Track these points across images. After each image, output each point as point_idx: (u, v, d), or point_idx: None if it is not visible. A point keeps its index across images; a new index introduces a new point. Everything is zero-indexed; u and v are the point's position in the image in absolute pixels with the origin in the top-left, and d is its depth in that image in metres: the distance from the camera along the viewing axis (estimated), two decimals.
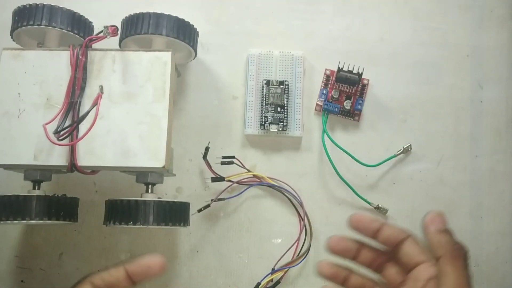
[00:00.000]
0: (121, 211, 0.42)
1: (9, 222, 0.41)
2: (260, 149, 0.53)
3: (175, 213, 0.44)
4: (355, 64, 0.51)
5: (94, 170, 0.44)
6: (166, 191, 0.52)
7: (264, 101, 0.52)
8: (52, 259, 0.51)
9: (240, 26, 0.55)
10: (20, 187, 0.47)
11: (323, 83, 0.54)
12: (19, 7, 0.45)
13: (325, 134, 0.51)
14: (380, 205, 0.51)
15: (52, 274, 0.51)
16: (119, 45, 0.47)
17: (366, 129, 0.53)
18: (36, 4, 0.45)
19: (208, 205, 0.50)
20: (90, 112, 0.42)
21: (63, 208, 0.44)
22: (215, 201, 0.50)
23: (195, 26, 0.48)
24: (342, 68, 0.51)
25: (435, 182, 0.52)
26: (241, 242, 0.51)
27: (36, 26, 0.44)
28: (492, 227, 0.52)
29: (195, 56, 0.51)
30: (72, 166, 0.42)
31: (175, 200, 0.44)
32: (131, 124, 0.43)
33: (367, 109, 0.54)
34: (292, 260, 0.50)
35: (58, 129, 0.41)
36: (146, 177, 0.44)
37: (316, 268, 0.34)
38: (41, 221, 0.42)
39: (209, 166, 0.50)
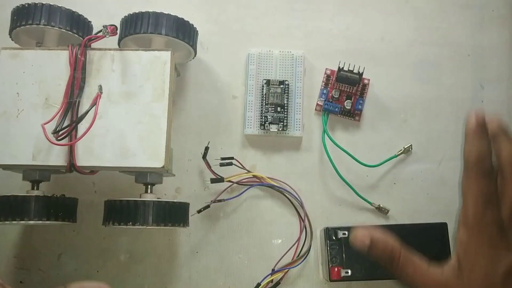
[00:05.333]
0: (120, 212, 0.42)
1: (7, 222, 0.41)
2: (260, 149, 0.53)
3: (174, 214, 0.43)
4: (356, 63, 0.51)
5: (93, 170, 0.44)
6: (165, 192, 0.51)
7: (264, 101, 0.52)
8: (51, 259, 0.50)
9: (240, 25, 0.55)
10: (18, 187, 0.47)
11: (323, 83, 0.53)
12: (17, 6, 0.45)
13: (325, 134, 0.51)
14: (381, 205, 0.51)
15: (51, 275, 0.50)
16: (118, 44, 0.47)
17: (366, 129, 0.53)
18: (35, 3, 0.44)
19: (208, 206, 0.50)
20: (89, 112, 0.41)
21: (62, 208, 0.44)
22: (214, 202, 0.50)
23: (194, 25, 0.48)
24: (343, 68, 0.51)
25: (436, 182, 0.52)
26: (241, 242, 0.51)
27: (35, 25, 0.44)
28: None
29: (195, 55, 0.50)
30: (71, 166, 0.42)
31: (175, 201, 0.44)
32: (130, 124, 0.43)
33: (367, 109, 0.53)
34: (293, 260, 0.50)
35: (57, 129, 0.41)
36: (145, 177, 0.44)
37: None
38: (40, 222, 0.42)
39: (209, 166, 0.50)
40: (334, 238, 0.46)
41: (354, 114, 0.53)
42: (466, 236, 0.34)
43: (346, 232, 0.46)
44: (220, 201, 0.50)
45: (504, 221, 0.34)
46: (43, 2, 0.45)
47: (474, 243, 0.34)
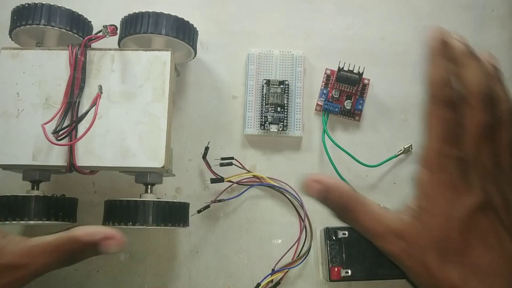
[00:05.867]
0: (120, 212, 0.42)
1: (7, 222, 0.41)
2: (260, 149, 0.53)
3: (174, 214, 0.43)
4: (356, 63, 0.51)
5: (93, 170, 0.44)
6: (165, 192, 0.51)
7: (264, 101, 0.52)
8: None
9: (240, 25, 0.55)
10: (18, 187, 0.47)
11: (323, 83, 0.54)
12: (17, 6, 0.45)
13: (325, 134, 0.51)
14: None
15: (51, 274, 0.50)
16: (118, 44, 0.47)
17: (366, 129, 0.53)
18: (35, 3, 0.44)
19: (208, 206, 0.50)
20: (89, 112, 0.41)
21: (62, 208, 0.44)
22: (214, 202, 0.50)
23: (194, 25, 0.48)
24: (343, 68, 0.51)
25: None
26: (241, 242, 0.51)
27: (35, 25, 0.44)
28: None
29: (195, 55, 0.50)
30: (71, 166, 0.42)
31: (175, 201, 0.44)
32: (130, 124, 0.43)
33: (367, 109, 0.53)
34: (292, 260, 0.50)
35: (57, 129, 0.41)
36: (145, 177, 0.44)
37: None
38: (40, 222, 0.42)
39: (209, 166, 0.50)
40: (334, 238, 0.46)
41: (354, 114, 0.53)
42: (426, 175, 0.30)
43: (346, 232, 0.46)
44: (220, 201, 0.50)
45: (465, 158, 0.29)
46: (43, 2, 0.45)
47: (434, 183, 0.30)
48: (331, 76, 0.53)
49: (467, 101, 0.30)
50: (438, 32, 0.32)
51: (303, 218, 0.50)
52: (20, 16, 0.45)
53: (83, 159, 0.42)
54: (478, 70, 0.32)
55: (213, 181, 0.50)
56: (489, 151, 0.30)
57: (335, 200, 0.31)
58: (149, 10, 0.45)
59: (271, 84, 0.52)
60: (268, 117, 0.51)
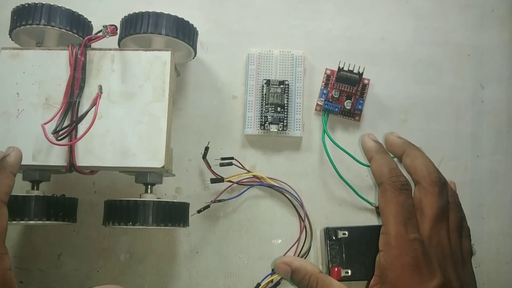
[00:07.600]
0: (120, 212, 0.42)
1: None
2: (260, 149, 0.53)
3: (174, 214, 0.43)
4: (356, 63, 0.51)
5: (93, 170, 0.44)
6: (165, 192, 0.51)
7: (264, 101, 0.52)
8: (50, 259, 0.50)
9: (240, 25, 0.55)
10: (18, 187, 0.47)
11: (323, 83, 0.54)
12: (17, 6, 0.45)
13: (325, 134, 0.51)
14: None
15: (51, 274, 0.50)
16: (118, 44, 0.47)
17: (366, 129, 0.53)
18: (35, 3, 0.45)
19: (208, 206, 0.50)
20: (89, 112, 0.41)
21: (62, 208, 0.44)
22: (214, 202, 0.50)
23: (194, 26, 0.48)
24: (343, 68, 0.51)
25: None
26: (241, 242, 0.51)
27: (35, 25, 0.44)
28: (493, 227, 0.52)
29: (195, 55, 0.50)
30: (71, 166, 0.42)
31: (175, 201, 0.44)
32: (130, 124, 0.43)
33: (367, 109, 0.53)
34: None
35: (57, 129, 0.41)
36: (145, 177, 0.44)
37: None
38: (40, 222, 0.42)
39: (209, 166, 0.50)
40: (334, 238, 0.46)
41: (354, 114, 0.53)
42: (388, 259, 0.31)
43: (346, 232, 0.46)
44: (220, 201, 0.50)
45: (424, 240, 0.31)
46: (43, 2, 0.45)
47: (396, 267, 0.31)
48: (331, 76, 0.53)
49: (421, 186, 0.32)
50: (367, 135, 0.37)
51: (303, 218, 0.50)
52: (20, 16, 0.45)
53: (83, 159, 0.42)
54: (424, 157, 0.34)
55: (213, 181, 0.50)
56: (445, 233, 0.31)
57: (300, 280, 0.35)
58: (149, 10, 0.45)
59: (271, 84, 0.52)
60: (268, 117, 0.51)
